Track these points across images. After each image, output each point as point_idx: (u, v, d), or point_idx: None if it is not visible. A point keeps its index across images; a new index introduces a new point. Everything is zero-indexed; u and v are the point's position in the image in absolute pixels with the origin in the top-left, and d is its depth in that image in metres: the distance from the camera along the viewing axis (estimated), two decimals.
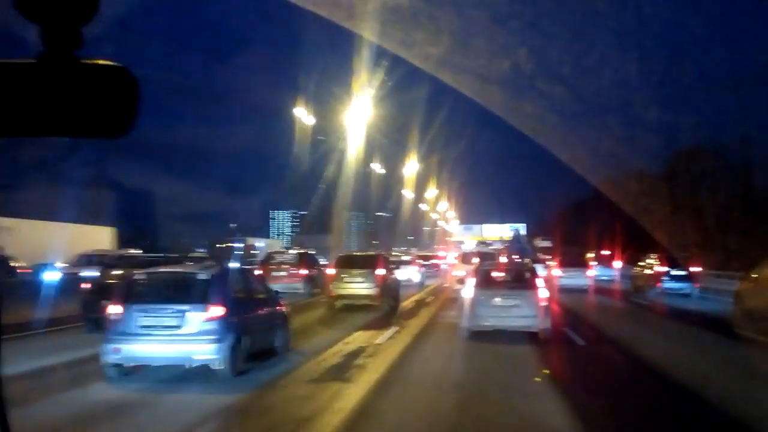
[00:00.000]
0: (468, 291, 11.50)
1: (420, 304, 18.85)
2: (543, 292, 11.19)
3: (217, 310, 7.74)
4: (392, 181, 61.24)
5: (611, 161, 25.29)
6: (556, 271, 24.47)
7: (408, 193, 64.61)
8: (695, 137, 23.51)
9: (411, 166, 56.28)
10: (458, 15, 20.78)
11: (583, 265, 25.64)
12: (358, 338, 11.82)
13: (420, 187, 67.01)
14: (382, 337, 11.89)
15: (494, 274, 12.60)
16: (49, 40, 1.54)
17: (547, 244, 54.25)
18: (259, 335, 8.85)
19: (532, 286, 11.48)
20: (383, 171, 56.43)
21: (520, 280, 12.25)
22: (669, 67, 21.01)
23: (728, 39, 20.65)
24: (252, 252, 47.43)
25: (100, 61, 1.60)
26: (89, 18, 1.57)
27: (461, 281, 19.79)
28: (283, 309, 10.20)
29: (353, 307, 16.40)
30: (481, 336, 11.11)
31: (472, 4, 20.06)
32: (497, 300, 11.21)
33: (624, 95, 22.03)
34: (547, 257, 35.60)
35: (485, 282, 11.88)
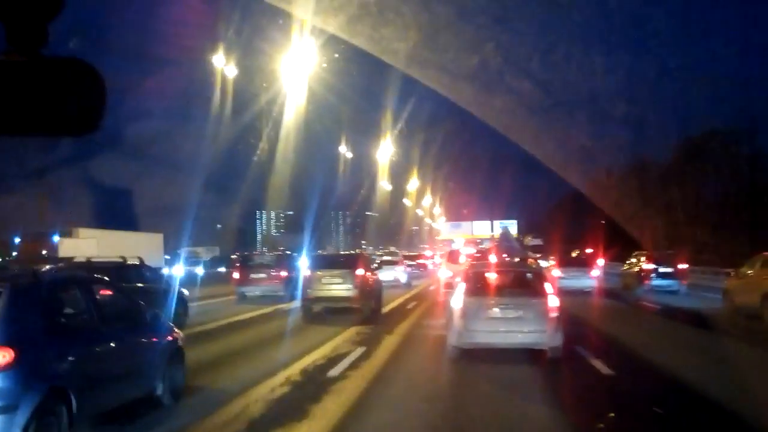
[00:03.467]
0: (457, 298, 9.13)
1: (400, 311, 16.66)
2: (553, 300, 8.90)
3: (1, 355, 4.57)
4: (372, 175, 60.83)
5: (581, 156, 25.44)
6: (556, 272, 22.05)
7: (386, 185, 63.75)
8: (663, 131, 23.69)
9: (385, 151, 55.15)
10: (425, 10, 20.87)
11: (585, 264, 23.25)
12: (305, 366, 8.76)
13: (404, 183, 66.86)
14: (341, 364, 8.76)
15: (489, 276, 10.21)
16: (14, 37, 1.53)
17: (537, 242, 53.45)
18: (114, 385, 5.82)
19: (540, 293, 9.17)
20: (351, 155, 55.18)
21: (524, 285, 9.91)
22: (634, 61, 21.19)
23: (692, 32, 20.86)
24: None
25: (66, 58, 1.58)
26: (54, 15, 1.56)
27: (449, 285, 17.76)
28: (176, 338, 7.11)
29: (321, 316, 15.06)
30: (474, 357, 8.79)
31: (438, 0, 20.19)
32: (495, 311, 8.93)
33: (591, 89, 22.20)
34: (537, 255, 34.99)
35: (479, 287, 9.60)
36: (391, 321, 14.22)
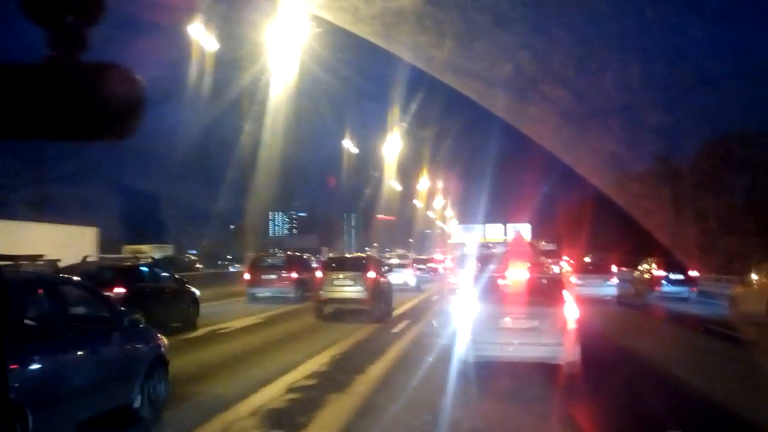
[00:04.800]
0: (465, 306, 8.55)
1: (406, 317, 16.15)
2: (571, 310, 8.19)
3: None
4: (381, 175, 60.28)
5: (613, 163, 25.44)
6: (573, 279, 21.42)
7: (396, 185, 63.07)
8: (697, 139, 23.65)
9: (394, 150, 54.34)
10: (462, 18, 20.92)
11: (604, 270, 22.40)
12: (297, 378, 8.18)
13: (414, 183, 66.41)
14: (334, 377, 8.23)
15: (502, 283, 9.46)
16: (55, 43, 1.56)
17: (551, 247, 52.94)
18: (83, 399, 5.23)
19: (557, 302, 8.40)
20: (358, 153, 54.15)
21: (540, 293, 9.05)
22: (670, 71, 21.18)
23: (729, 41, 20.82)
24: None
25: (106, 63, 1.60)
26: (95, 21, 1.59)
27: (453, 290, 17.30)
28: (158, 344, 6.54)
29: (334, 315, 15.30)
30: (485, 372, 8.06)
31: (475, 8, 20.21)
32: (507, 320, 8.18)
33: (626, 98, 22.20)
34: (548, 261, 34.56)
35: (491, 294, 8.91)
36: (399, 323, 14.34)
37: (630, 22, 20.77)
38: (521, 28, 21.08)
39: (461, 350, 8.25)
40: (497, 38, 21.59)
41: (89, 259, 14.70)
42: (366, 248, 71.49)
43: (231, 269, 37.38)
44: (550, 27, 20.88)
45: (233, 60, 27.85)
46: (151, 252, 27.76)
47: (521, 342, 8.11)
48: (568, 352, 7.97)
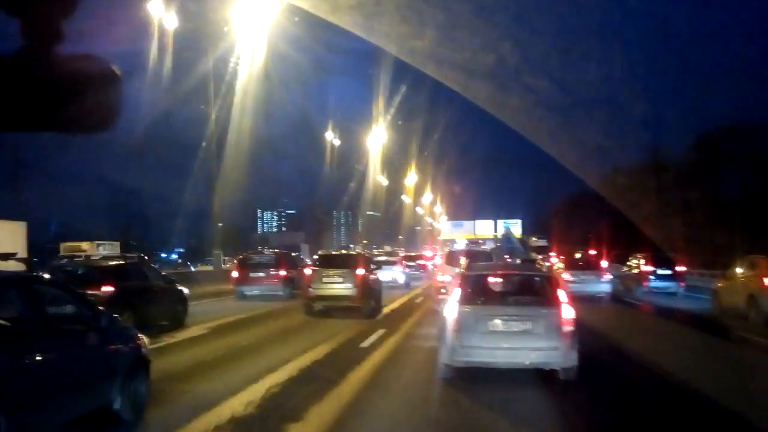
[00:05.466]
0: (450, 307, 7.76)
1: (392, 318, 15.49)
2: (567, 311, 7.56)
3: None
4: (367, 171, 59.63)
5: (598, 155, 25.24)
6: (564, 275, 20.38)
7: (382, 179, 62.53)
8: (681, 130, 23.46)
9: (381, 143, 53.53)
10: (443, 8, 20.58)
11: (596, 266, 21.44)
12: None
13: (402, 179, 66.07)
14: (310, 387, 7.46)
15: (491, 281, 8.86)
16: (29, 34, 1.51)
17: (542, 243, 52.09)
18: (59, 401, 5.12)
19: (551, 301, 7.78)
20: (338, 143, 53.05)
21: (532, 292, 8.53)
22: (653, 60, 20.95)
23: (711, 30, 20.57)
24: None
25: (82, 54, 1.57)
26: (70, 12, 1.55)
27: (442, 289, 16.67)
28: (138, 345, 6.44)
29: (317, 319, 14.91)
30: (469, 378, 7.54)
31: None
32: (497, 323, 7.51)
33: (609, 89, 22.00)
34: (538, 257, 34.26)
35: (478, 294, 8.21)
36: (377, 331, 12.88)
37: (614, 11, 20.55)
38: (503, 18, 20.81)
39: (446, 356, 7.58)
40: (479, 28, 21.26)
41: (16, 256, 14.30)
42: (351, 245, 71.00)
43: (192, 268, 36.86)
44: (532, 17, 20.61)
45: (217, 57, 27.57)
46: (91, 250, 26.27)
47: (512, 346, 7.47)
48: (564, 357, 7.35)
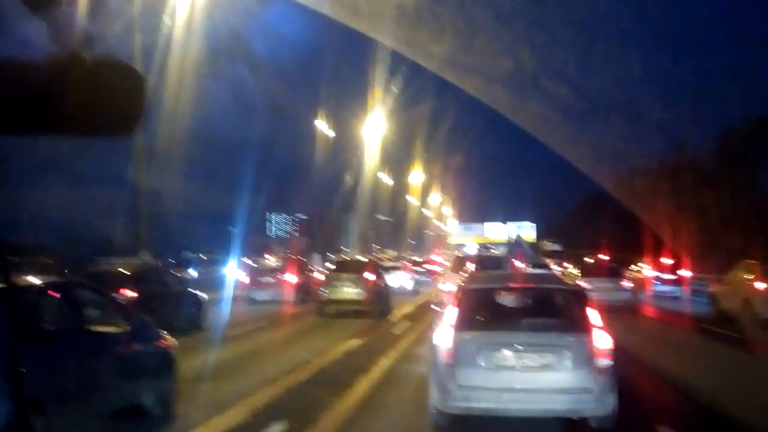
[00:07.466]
0: (443, 333, 5.72)
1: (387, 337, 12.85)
2: (602, 338, 5.54)
3: None
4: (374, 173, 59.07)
5: (615, 159, 25.31)
6: (580, 282, 17.26)
7: (386, 179, 62.00)
8: (699, 134, 23.52)
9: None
10: (462, 13, 20.83)
11: (614, 272, 19.88)
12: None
13: (415, 182, 65.41)
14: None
15: (499, 297, 6.78)
16: (57, 38, 1.55)
17: (556, 248, 50.69)
18: (96, 395, 5.45)
19: (580, 325, 5.73)
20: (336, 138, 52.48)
21: (553, 311, 6.44)
22: (671, 65, 21.05)
23: (730, 36, 20.66)
24: None
25: (108, 58, 1.57)
26: (96, 17, 1.58)
27: (439, 304, 12.73)
28: (166, 345, 6.74)
29: (316, 326, 14.78)
30: (471, 428, 5.88)
31: (475, 3, 20.11)
32: (506, 355, 5.52)
33: (627, 93, 22.08)
34: (549, 262, 33.35)
35: (480, 315, 6.21)
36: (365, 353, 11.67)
37: (631, 17, 20.65)
38: (522, 23, 20.96)
39: (438, 398, 5.61)
40: (498, 34, 21.46)
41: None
42: (356, 251, 70.42)
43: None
44: (551, 23, 20.76)
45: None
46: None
47: (528, 387, 5.50)
48: (597, 401, 5.39)
